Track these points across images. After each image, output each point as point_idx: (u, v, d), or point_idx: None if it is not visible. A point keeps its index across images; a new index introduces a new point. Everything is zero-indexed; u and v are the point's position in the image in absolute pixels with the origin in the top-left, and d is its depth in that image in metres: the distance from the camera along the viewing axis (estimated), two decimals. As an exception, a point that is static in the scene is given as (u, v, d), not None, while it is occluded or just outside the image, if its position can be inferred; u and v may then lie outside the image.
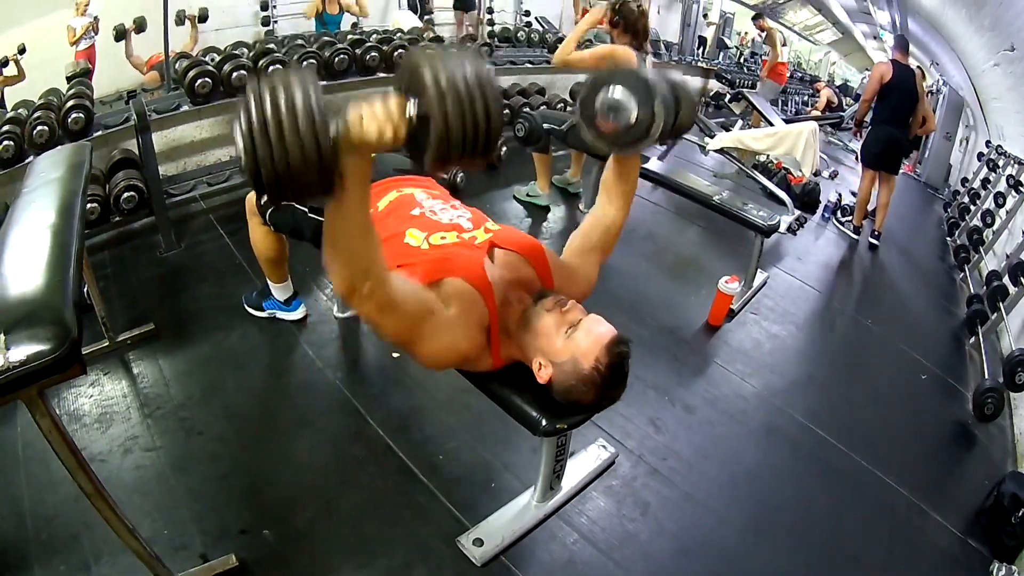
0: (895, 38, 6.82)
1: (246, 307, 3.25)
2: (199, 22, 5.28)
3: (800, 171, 6.33)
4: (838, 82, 17.21)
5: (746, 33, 13.88)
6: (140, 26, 4.83)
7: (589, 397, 1.85)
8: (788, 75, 10.50)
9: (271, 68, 4.30)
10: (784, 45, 9.71)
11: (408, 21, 6.85)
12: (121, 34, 4.79)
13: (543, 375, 1.89)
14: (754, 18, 10.22)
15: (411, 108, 1.30)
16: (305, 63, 4.48)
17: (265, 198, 1.21)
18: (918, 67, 6.66)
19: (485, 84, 1.30)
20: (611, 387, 1.85)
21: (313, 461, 2.55)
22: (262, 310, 3.22)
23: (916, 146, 6.85)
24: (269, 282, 3.12)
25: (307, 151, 1.15)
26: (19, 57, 4.30)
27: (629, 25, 4.29)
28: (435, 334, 1.76)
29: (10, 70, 4.30)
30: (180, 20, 5.00)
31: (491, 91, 1.31)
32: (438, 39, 5.54)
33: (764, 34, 9.96)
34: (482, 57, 1.37)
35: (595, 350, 1.80)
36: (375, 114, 1.29)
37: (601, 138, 1.83)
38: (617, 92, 1.75)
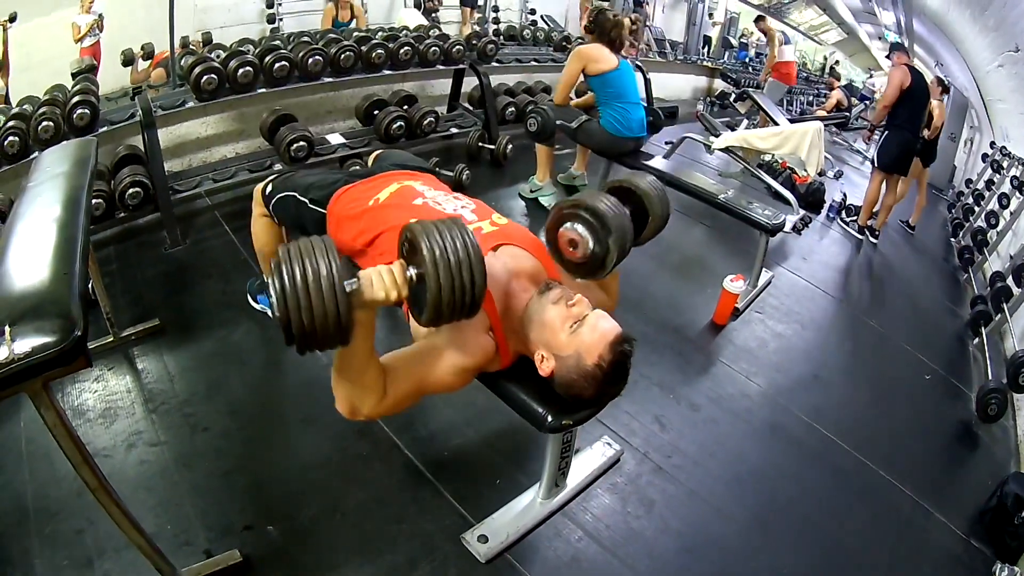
0: (892, 44, 6.90)
1: (247, 294, 3.19)
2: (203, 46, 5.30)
3: (805, 171, 6.31)
4: (843, 82, 17.17)
5: (751, 33, 13.86)
6: (148, 53, 4.83)
7: (590, 392, 1.86)
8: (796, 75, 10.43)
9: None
10: (787, 44, 9.62)
11: (414, 19, 6.83)
12: (129, 60, 4.80)
13: (545, 368, 1.90)
14: (756, 20, 10.19)
15: (411, 272, 1.59)
16: (311, 60, 4.47)
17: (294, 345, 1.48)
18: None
19: (473, 257, 1.55)
20: (612, 384, 1.86)
21: (317, 458, 2.54)
22: (257, 303, 3.16)
23: (933, 153, 6.83)
24: (265, 277, 3.06)
25: (328, 313, 1.40)
26: (8, 24, 4.27)
27: (603, 33, 4.43)
28: (438, 376, 1.85)
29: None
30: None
31: (477, 263, 1.56)
32: (444, 36, 5.52)
33: (766, 36, 9.93)
34: (468, 232, 1.59)
35: (599, 347, 1.80)
36: (383, 278, 1.56)
37: (563, 263, 2.09)
38: (576, 228, 2.00)
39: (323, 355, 2.94)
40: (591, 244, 1.98)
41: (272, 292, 1.39)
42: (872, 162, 6.39)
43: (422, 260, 1.52)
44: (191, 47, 5.08)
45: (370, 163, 3.00)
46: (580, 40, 5.38)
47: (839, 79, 15.21)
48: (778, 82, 9.62)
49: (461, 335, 1.85)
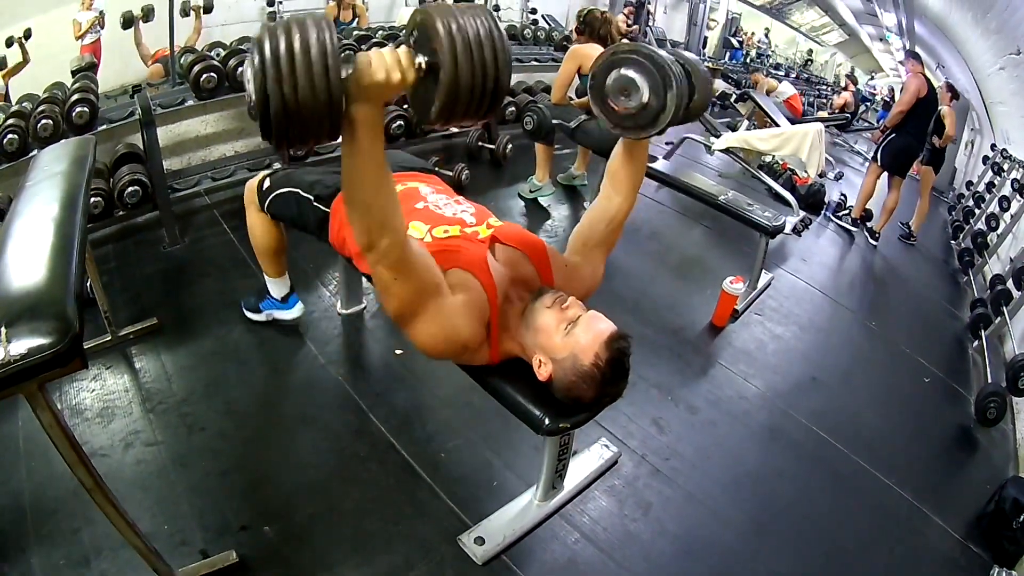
0: (908, 52, 7.01)
1: (244, 311, 3.20)
2: (204, 13, 5.26)
3: (806, 172, 6.32)
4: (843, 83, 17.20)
5: (752, 34, 13.87)
6: (147, 15, 4.80)
7: (590, 394, 1.85)
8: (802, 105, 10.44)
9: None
10: (781, 82, 9.74)
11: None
12: (129, 22, 4.76)
13: (543, 372, 1.89)
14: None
15: (420, 58, 1.36)
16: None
17: (270, 141, 1.24)
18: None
19: (496, 40, 1.35)
20: (611, 383, 1.84)
21: (315, 458, 2.54)
22: (259, 312, 3.16)
23: (942, 160, 6.89)
24: (266, 277, 3.05)
25: (317, 87, 1.18)
26: (24, 41, 4.28)
27: (593, 31, 4.45)
28: (439, 314, 1.77)
29: (14, 56, 4.28)
30: (185, 11, 4.97)
31: (501, 48, 1.36)
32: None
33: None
34: (493, 16, 1.40)
35: (594, 346, 1.79)
36: (385, 58, 1.35)
37: (609, 116, 1.85)
38: (631, 73, 1.76)
39: (319, 355, 2.97)
40: (647, 94, 1.75)
41: (250, 63, 1.21)
42: (873, 158, 6.51)
43: (435, 36, 1.32)
44: (191, 14, 5.07)
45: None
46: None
47: (856, 82, 15.21)
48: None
49: (471, 306, 1.83)
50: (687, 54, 2.01)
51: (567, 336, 1.83)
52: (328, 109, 1.22)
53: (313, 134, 1.26)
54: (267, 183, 2.56)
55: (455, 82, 1.32)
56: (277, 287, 3.07)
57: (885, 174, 6.43)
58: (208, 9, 5.18)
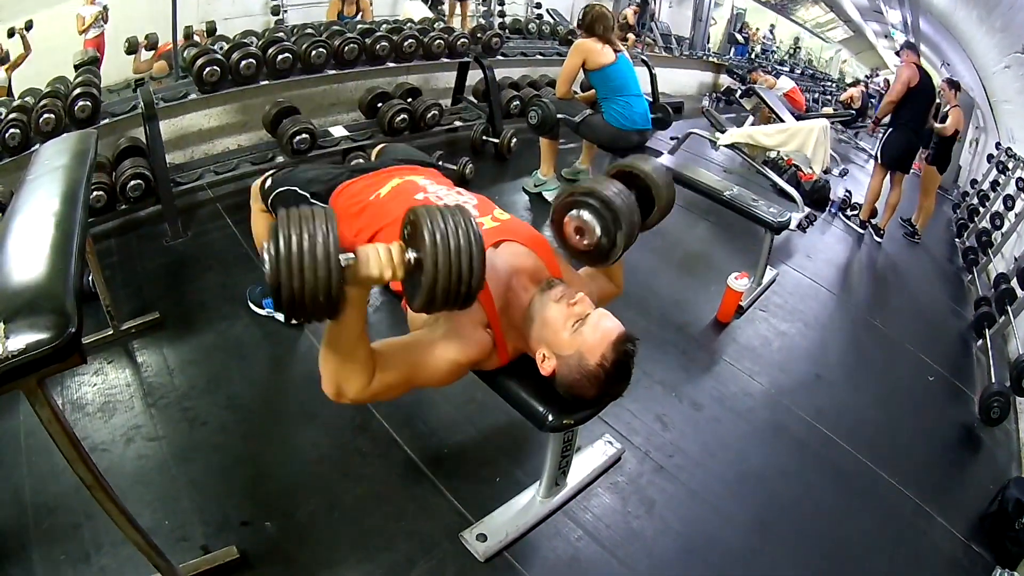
0: (905, 43, 6.90)
1: (248, 301, 3.22)
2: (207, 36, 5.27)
3: (810, 168, 6.31)
4: (848, 80, 17.15)
5: (757, 29, 13.83)
6: (152, 43, 4.82)
7: (592, 392, 1.84)
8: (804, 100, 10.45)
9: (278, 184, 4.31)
10: (779, 77, 9.75)
11: (418, 11, 6.82)
12: (133, 48, 4.78)
13: (546, 367, 1.88)
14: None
15: (410, 255, 1.54)
16: (315, 52, 4.45)
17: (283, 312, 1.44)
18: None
19: (474, 247, 1.51)
20: (614, 384, 1.83)
21: (316, 454, 2.53)
22: (262, 307, 3.19)
23: (948, 158, 6.84)
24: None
25: (320, 282, 1.36)
26: (26, 32, 4.27)
27: (587, 26, 4.45)
28: (430, 368, 1.82)
29: (16, 48, 4.27)
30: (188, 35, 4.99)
31: (477, 253, 1.52)
32: (449, 29, 5.51)
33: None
34: (473, 222, 1.55)
35: (602, 346, 1.78)
36: (379, 256, 1.52)
37: (567, 250, 2.09)
38: (585, 216, 1.97)
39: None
40: (598, 233, 1.96)
41: (266, 254, 1.36)
42: (875, 158, 6.40)
43: (422, 243, 1.48)
44: (195, 37, 5.06)
45: (373, 157, 2.98)
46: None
47: (866, 85, 15.16)
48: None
49: (458, 328, 1.84)
50: (647, 162, 2.17)
51: (575, 333, 1.81)
52: (328, 301, 1.39)
53: (317, 314, 1.42)
54: (269, 182, 2.56)
55: (434, 283, 1.48)
56: None
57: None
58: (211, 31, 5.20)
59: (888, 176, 6.27)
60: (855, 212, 6.61)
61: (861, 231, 6.36)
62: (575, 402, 1.90)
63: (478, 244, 1.52)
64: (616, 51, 4.48)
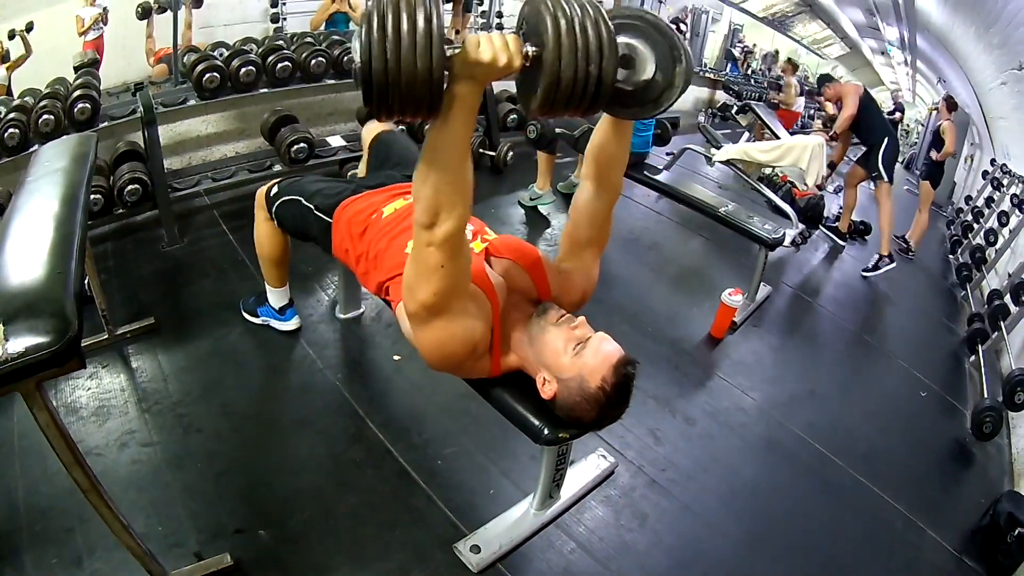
0: (820, 78, 7.19)
1: (243, 312, 3.21)
2: (194, 7, 5.22)
3: (805, 184, 6.32)
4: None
5: (754, 45, 13.89)
6: (164, 6, 4.79)
7: (591, 415, 1.84)
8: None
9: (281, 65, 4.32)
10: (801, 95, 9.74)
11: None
12: (147, 11, 4.75)
13: (547, 391, 1.88)
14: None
15: (529, 47, 1.35)
16: (314, 61, 4.47)
17: (371, 109, 1.29)
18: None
19: (604, 34, 1.33)
20: (615, 407, 1.83)
21: (311, 462, 2.53)
22: (257, 316, 3.17)
23: (941, 174, 6.87)
24: (267, 285, 3.06)
25: (421, 60, 1.21)
26: (26, 34, 4.26)
27: None
28: (462, 315, 1.75)
29: (17, 49, 4.26)
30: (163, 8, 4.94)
31: (608, 40, 1.33)
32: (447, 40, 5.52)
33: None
34: (601, 8, 1.37)
35: (602, 369, 1.78)
36: (494, 41, 1.35)
37: None
38: (635, 42, 1.54)
39: (317, 358, 2.96)
40: (652, 67, 1.53)
41: (357, 35, 1.23)
42: (881, 176, 6.11)
43: (543, 28, 1.30)
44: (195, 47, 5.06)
45: (366, 148, 2.96)
46: None
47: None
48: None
49: (480, 314, 1.81)
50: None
51: (575, 357, 1.82)
52: (429, 80, 1.23)
53: (411, 104, 1.27)
54: (275, 190, 2.57)
55: (557, 72, 1.31)
56: (276, 297, 3.08)
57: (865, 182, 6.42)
58: (199, 3, 5.17)
59: (858, 184, 6.35)
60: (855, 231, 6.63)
61: (888, 265, 6.02)
62: (575, 425, 1.91)
63: (611, 36, 1.34)
64: None
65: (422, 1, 1.23)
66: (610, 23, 1.35)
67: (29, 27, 4.29)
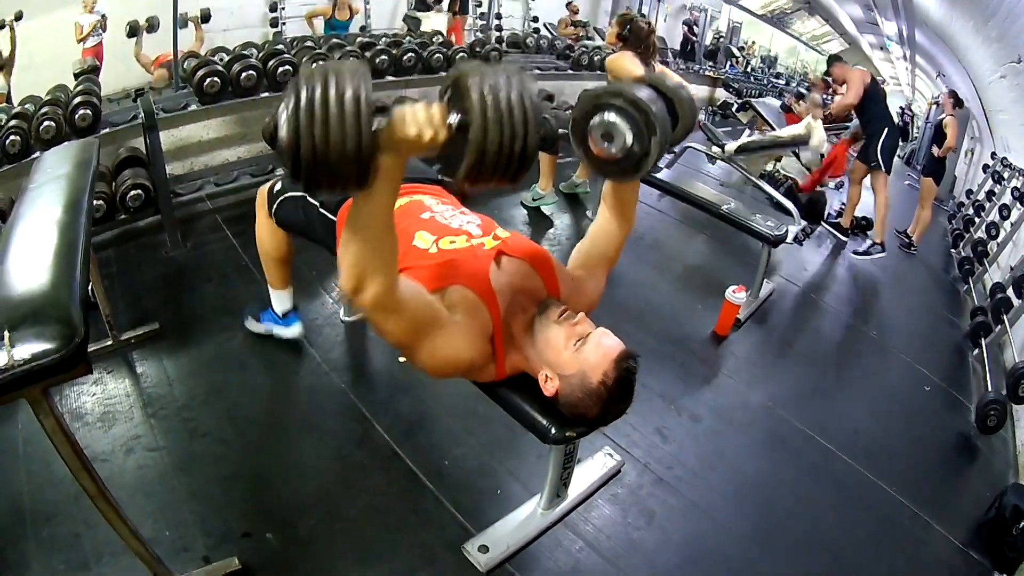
0: (830, 57, 6.84)
1: (245, 319, 3.16)
2: (202, 22, 5.26)
3: (808, 155, 6.28)
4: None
5: (753, 43, 13.90)
6: (152, 25, 4.81)
7: (595, 411, 1.83)
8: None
9: (307, 64, 4.32)
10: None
11: (440, 22, 6.84)
12: (134, 31, 4.77)
13: (549, 388, 1.87)
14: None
15: (453, 118, 1.35)
16: (314, 65, 4.47)
17: (298, 183, 1.28)
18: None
19: (528, 108, 1.34)
20: (617, 402, 1.83)
21: (318, 465, 2.53)
22: (259, 323, 3.12)
23: (943, 170, 6.82)
24: (270, 288, 3.00)
25: (349, 137, 1.19)
26: (15, 23, 4.25)
27: (640, 40, 4.37)
28: (438, 342, 1.74)
29: (5, 45, 4.25)
30: (183, 23, 4.97)
31: (533, 115, 1.34)
32: (448, 44, 5.54)
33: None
34: (528, 78, 1.38)
35: (603, 364, 1.78)
36: (418, 115, 1.35)
37: (589, 159, 1.78)
38: (614, 119, 1.67)
39: (323, 362, 2.96)
40: (629, 139, 1.65)
41: (284, 106, 1.21)
42: (878, 166, 6.06)
43: (468, 100, 1.31)
44: (190, 25, 5.07)
45: None
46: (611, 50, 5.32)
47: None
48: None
49: (471, 325, 1.81)
50: (668, 78, 1.95)
51: (576, 353, 1.81)
52: (357, 158, 1.22)
53: (341, 181, 1.27)
54: (278, 186, 2.55)
55: (483, 147, 1.31)
56: (279, 300, 3.02)
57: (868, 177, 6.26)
58: (206, 19, 5.19)
59: (862, 179, 6.27)
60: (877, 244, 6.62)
61: (879, 255, 6.10)
62: (579, 422, 1.90)
63: (534, 104, 1.36)
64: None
65: (350, 76, 1.23)
66: (533, 96, 1.37)
67: (19, 16, 4.28)
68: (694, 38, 12.02)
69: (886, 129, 5.99)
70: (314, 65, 1.25)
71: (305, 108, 1.18)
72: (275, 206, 2.53)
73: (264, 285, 3.02)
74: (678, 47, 11.73)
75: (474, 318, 1.81)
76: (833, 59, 6.65)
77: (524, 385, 1.97)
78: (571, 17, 9.22)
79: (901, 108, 13.58)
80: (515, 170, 1.39)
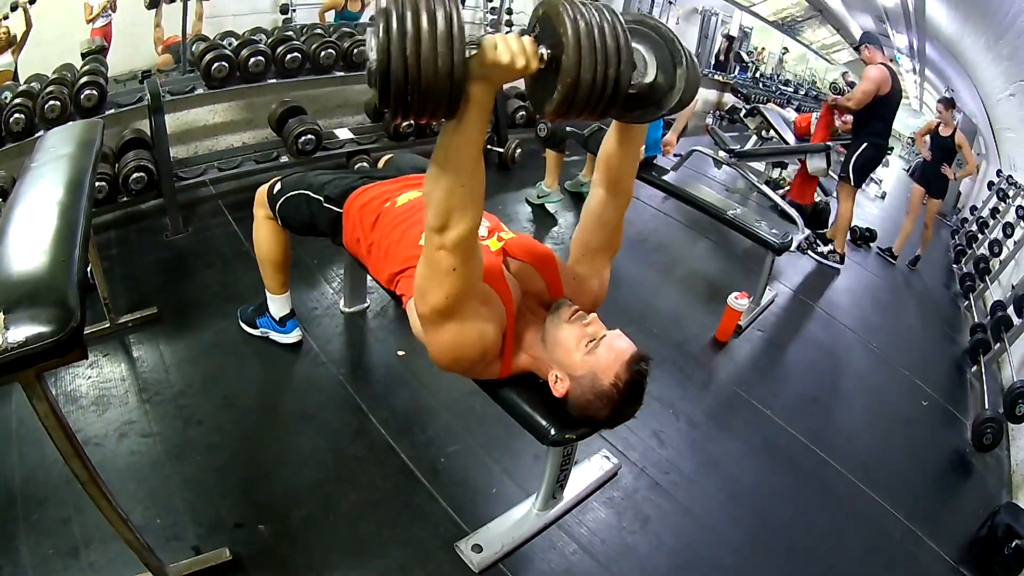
0: (864, 36, 5.96)
1: (240, 322, 3.10)
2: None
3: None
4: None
5: (763, 48, 13.87)
6: None
7: (605, 413, 1.82)
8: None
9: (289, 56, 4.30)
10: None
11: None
12: (155, 1, 4.73)
13: (559, 388, 1.86)
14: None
15: (544, 49, 1.34)
16: (324, 53, 4.46)
17: (386, 109, 1.26)
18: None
19: (620, 36, 1.31)
20: (628, 404, 1.81)
21: (312, 457, 2.51)
22: (255, 327, 3.06)
23: (945, 185, 6.65)
24: (267, 293, 2.94)
25: (442, 57, 1.18)
26: (29, 5, 4.21)
27: None
28: (467, 321, 1.72)
29: (19, 25, 4.21)
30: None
31: (624, 44, 1.32)
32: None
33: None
34: (616, 13, 1.35)
35: (615, 366, 1.76)
36: (511, 43, 1.33)
37: None
38: (640, 47, 1.52)
39: (321, 352, 2.94)
40: (654, 69, 1.52)
41: (375, 33, 1.19)
42: (846, 177, 5.73)
43: (562, 31, 1.27)
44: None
45: (380, 166, 2.96)
46: None
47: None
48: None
49: (492, 316, 1.79)
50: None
51: (588, 354, 1.80)
52: (449, 83, 1.21)
53: (429, 106, 1.26)
54: (278, 186, 2.52)
55: (576, 74, 1.29)
56: (277, 305, 2.97)
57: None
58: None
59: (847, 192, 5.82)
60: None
61: (838, 266, 5.80)
62: (588, 423, 1.89)
63: (627, 39, 1.33)
64: None
65: (443, 2, 1.21)
66: (626, 27, 1.34)
67: None
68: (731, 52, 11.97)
69: (865, 145, 5.59)
70: None
71: (397, 28, 1.17)
72: (278, 205, 2.50)
73: (263, 292, 2.98)
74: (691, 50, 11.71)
75: (494, 309, 1.80)
76: (866, 37, 5.82)
77: (524, 385, 1.96)
78: None
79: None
80: (608, 102, 1.36)
